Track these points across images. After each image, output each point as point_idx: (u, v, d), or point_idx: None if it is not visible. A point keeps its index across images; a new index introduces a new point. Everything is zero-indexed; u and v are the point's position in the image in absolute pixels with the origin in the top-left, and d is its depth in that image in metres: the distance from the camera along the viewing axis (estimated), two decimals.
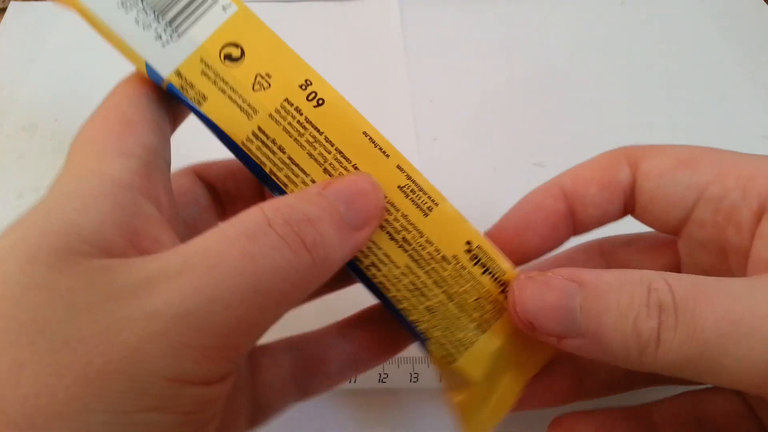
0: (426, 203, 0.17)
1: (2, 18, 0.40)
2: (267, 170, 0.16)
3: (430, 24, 0.41)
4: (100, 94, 0.39)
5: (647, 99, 0.36)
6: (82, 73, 0.37)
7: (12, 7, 0.41)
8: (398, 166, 0.17)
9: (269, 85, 0.16)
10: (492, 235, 0.19)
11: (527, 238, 0.19)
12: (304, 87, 0.17)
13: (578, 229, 0.19)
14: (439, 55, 0.39)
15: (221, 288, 0.13)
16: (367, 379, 0.24)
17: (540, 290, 0.16)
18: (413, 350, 0.25)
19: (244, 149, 0.16)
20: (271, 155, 0.16)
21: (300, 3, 0.42)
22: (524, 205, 0.19)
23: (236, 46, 0.16)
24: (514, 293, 0.16)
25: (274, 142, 0.16)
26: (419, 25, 0.41)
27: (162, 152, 0.17)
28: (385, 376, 0.25)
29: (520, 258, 0.19)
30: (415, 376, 0.25)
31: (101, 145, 0.15)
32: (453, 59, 0.39)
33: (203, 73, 0.16)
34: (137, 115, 0.16)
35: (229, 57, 0.16)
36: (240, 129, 0.16)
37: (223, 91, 0.16)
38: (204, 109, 0.16)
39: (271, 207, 0.14)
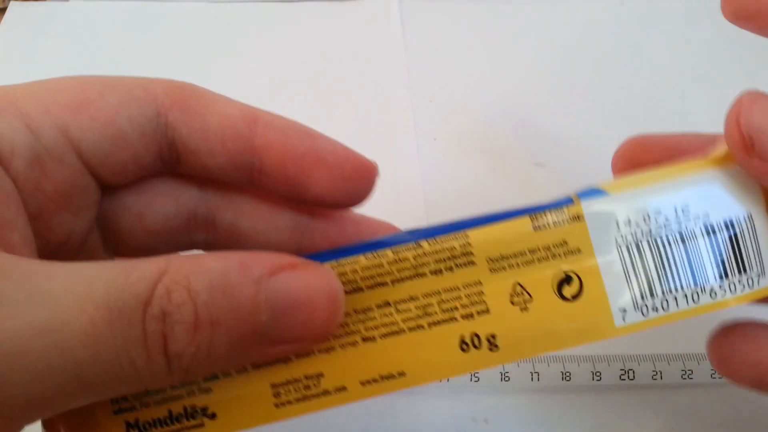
0: None
1: (2, 18, 0.40)
2: None
3: (430, 24, 0.41)
4: None
5: (647, 99, 0.36)
6: (82, 73, 0.37)
7: (12, 7, 0.41)
8: None
9: None
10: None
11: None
12: None
13: None
14: (439, 55, 0.39)
15: (40, 357, 0.10)
16: None
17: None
18: None
19: None
20: None
21: (300, 3, 0.42)
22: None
23: None
24: (741, 104, 0.14)
25: None
26: (419, 25, 0.41)
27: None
28: None
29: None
30: None
31: None
32: (453, 59, 0.39)
33: None
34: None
35: None
36: None
37: None
38: None
39: (177, 276, 0.11)
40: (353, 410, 0.24)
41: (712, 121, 0.38)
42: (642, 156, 0.18)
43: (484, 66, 0.38)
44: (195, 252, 0.17)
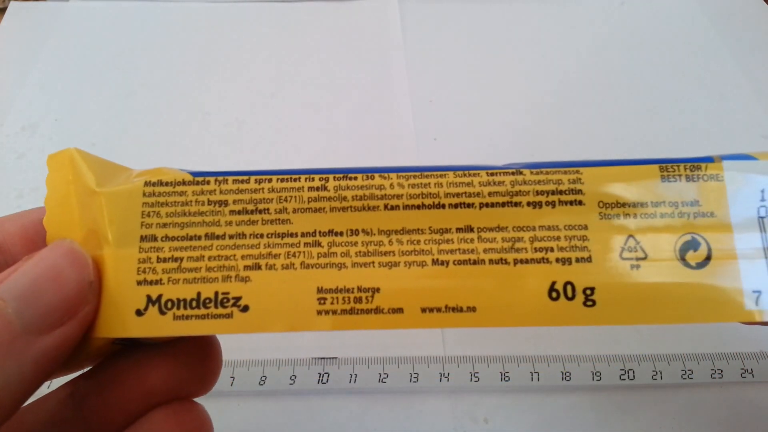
0: None
1: (2, 18, 0.40)
2: None
3: (430, 24, 0.41)
4: (99, 94, 0.39)
5: (647, 99, 0.36)
6: (82, 73, 0.37)
7: (12, 7, 0.41)
8: None
9: None
10: None
11: None
12: None
13: None
14: (439, 55, 0.39)
15: None
16: (367, 379, 0.24)
17: None
18: (413, 350, 0.25)
19: None
20: None
21: (300, 3, 0.42)
22: None
23: None
24: None
25: None
26: (419, 25, 0.41)
27: None
28: (385, 376, 0.25)
29: None
30: (415, 376, 0.25)
31: None
32: (453, 59, 0.39)
33: None
34: None
35: None
36: None
37: None
38: None
39: None
40: (353, 410, 0.24)
41: (712, 121, 0.38)
42: None
43: (484, 66, 0.38)
44: None
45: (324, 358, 0.25)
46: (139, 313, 0.12)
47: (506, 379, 0.24)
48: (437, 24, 0.41)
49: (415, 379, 0.24)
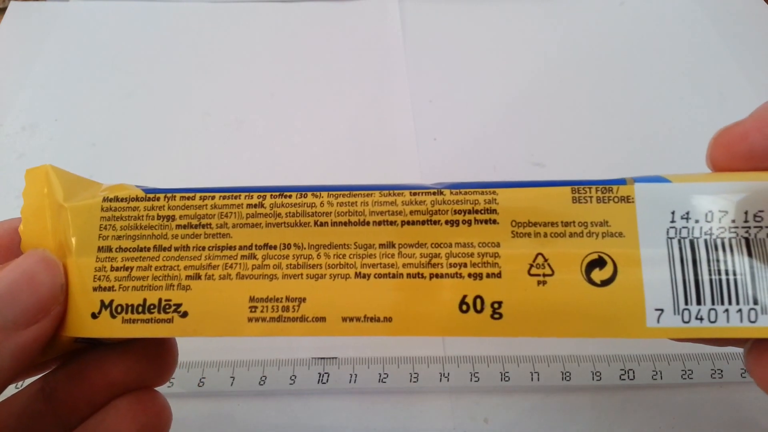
0: None
1: (2, 18, 0.40)
2: None
3: (430, 24, 0.41)
4: (99, 94, 0.39)
5: (646, 99, 0.36)
6: (82, 73, 0.37)
7: (12, 7, 0.41)
8: None
9: None
10: (748, 124, 0.14)
11: None
12: None
13: None
14: (439, 55, 0.39)
15: None
16: (367, 379, 0.24)
17: None
18: (413, 350, 0.25)
19: None
20: None
21: (300, 3, 0.42)
22: None
23: None
24: None
25: None
26: (419, 25, 0.41)
27: None
28: (385, 376, 0.25)
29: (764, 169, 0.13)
30: (415, 376, 0.25)
31: None
32: (453, 59, 0.39)
33: None
34: None
35: None
36: None
37: None
38: None
39: None
40: (353, 410, 0.24)
41: (711, 121, 0.38)
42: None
43: (484, 66, 0.38)
44: None
45: (324, 358, 0.25)
46: (94, 316, 0.14)
47: (506, 379, 0.24)
48: (437, 24, 0.41)
49: (415, 379, 0.24)
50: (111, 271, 0.14)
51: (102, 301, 0.14)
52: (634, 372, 0.25)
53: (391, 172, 0.32)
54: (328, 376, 0.25)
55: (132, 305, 0.14)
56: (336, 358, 0.25)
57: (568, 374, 0.25)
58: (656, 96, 0.37)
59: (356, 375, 0.25)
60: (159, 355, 0.16)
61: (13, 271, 0.13)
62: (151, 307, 0.14)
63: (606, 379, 0.24)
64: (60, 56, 0.38)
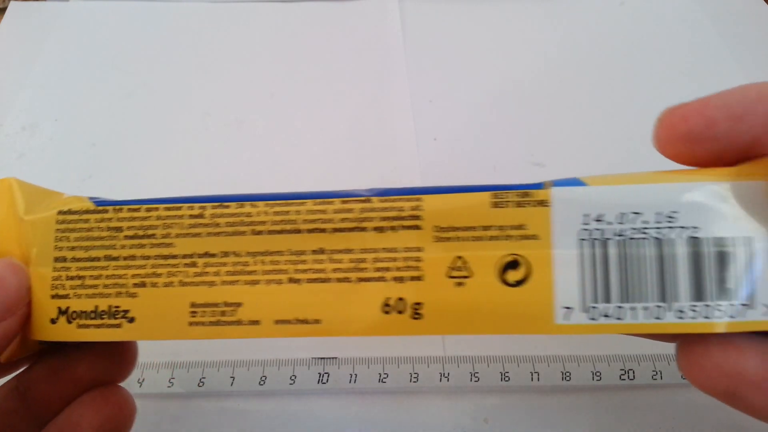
0: None
1: (2, 18, 0.40)
2: None
3: (430, 24, 0.41)
4: (99, 94, 0.39)
5: (646, 99, 0.36)
6: (82, 73, 0.37)
7: (12, 7, 0.41)
8: None
9: None
10: (691, 107, 0.14)
11: (738, 129, 0.14)
12: None
13: None
14: (439, 55, 0.39)
15: None
16: (367, 379, 0.24)
17: None
18: (413, 350, 0.25)
19: None
20: None
21: (300, 3, 0.42)
22: (746, 89, 0.14)
23: None
24: None
25: None
26: (419, 25, 0.41)
27: None
28: (385, 376, 0.25)
29: (710, 151, 0.14)
30: (415, 376, 0.25)
31: None
32: (453, 59, 0.39)
33: None
34: None
35: None
36: None
37: None
38: None
39: None
40: (353, 410, 0.24)
41: None
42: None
43: (484, 66, 0.38)
44: None
45: (324, 358, 0.25)
46: (53, 321, 0.15)
47: (506, 379, 0.24)
48: (437, 24, 0.41)
49: (415, 379, 0.24)
50: (66, 280, 0.15)
51: (59, 308, 0.15)
52: (634, 372, 0.25)
53: (391, 172, 0.32)
54: (328, 376, 0.25)
55: (85, 312, 0.15)
56: (336, 358, 0.25)
57: (568, 374, 0.25)
58: (656, 96, 0.37)
59: (356, 375, 0.25)
60: (118, 354, 0.18)
61: None
62: (102, 313, 0.15)
63: (606, 379, 0.24)
64: (60, 56, 0.38)
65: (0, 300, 0.14)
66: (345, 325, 0.14)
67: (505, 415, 0.24)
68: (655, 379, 0.24)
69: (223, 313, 0.14)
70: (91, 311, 0.15)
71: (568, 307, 0.13)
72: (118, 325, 0.14)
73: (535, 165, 0.33)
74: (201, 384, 0.25)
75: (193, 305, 0.14)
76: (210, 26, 0.40)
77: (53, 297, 0.15)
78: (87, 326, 0.15)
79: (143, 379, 0.25)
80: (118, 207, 0.15)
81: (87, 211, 0.15)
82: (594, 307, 0.13)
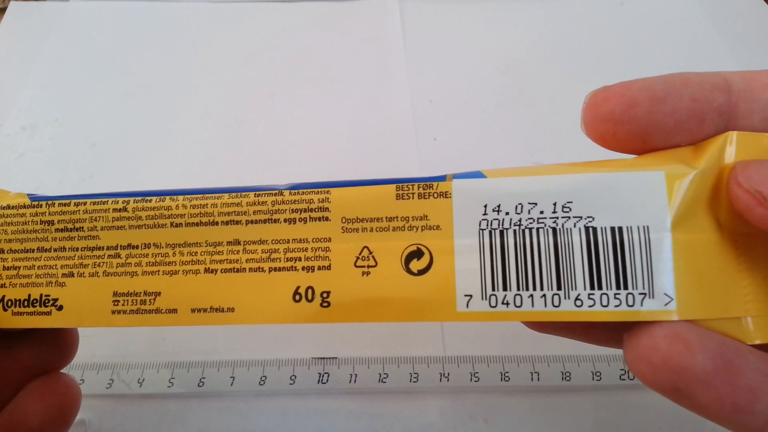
0: None
1: (2, 18, 0.40)
2: None
3: (430, 24, 0.41)
4: (99, 94, 0.39)
5: None
6: (82, 73, 0.37)
7: (12, 7, 0.41)
8: None
9: None
10: (614, 89, 0.14)
11: (659, 110, 0.14)
12: None
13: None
14: (439, 55, 0.39)
15: None
16: (367, 379, 0.24)
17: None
18: (413, 350, 0.25)
19: None
20: None
21: (300, 3, 0.42)
22: (672, 77, 0.14)
23: None
24: (735, 171, 0.13)
25: None
26: (419, 25, 0.41)
27: None
28: (385, 376, 0.25)
29: (633, 133, 0.14)
30: (415, 376, 0.25)
31: None
32: (453, 59, 0.39)
33: None
34: None
35: None
36: None
37: None
38: None
39: None
40: (353, 410, 0.24)
41: None
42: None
43: (484, 66, 0.38)
44: None
45: (324, 358, 0.25)
46: None
47: (506, 379, 0.24)
48: (437, 24, 0.41)
49: (415, 379, 0.24)
50: (3, 270, 0.16)
51: None
52: None
53: (391, 172, 0.32)
54: (328, 376, 0.25)
55: (19, 300, 0.15)
56: (336, 358, 0.25)
57: (568, 374, 0.25)
58: None
59: (356, 375, 0.25)
60: (58, 340, 0.18)
61: None
62: (34, 301, 0.15)
63: (606, 379, 0.24)
64: (60, 56, 0.38)
65: None
66: (257, 313, 0.14)
67: (505, 415, 0.24)
68: None
69: (143, 302, 0.15)
70: (25, 299, 0.15)
71: (468, 295, 0.14)
72: (48, 313, 0.15)
73: (535, 165, 0.33)
74: (201, 384, 0.25)
75: (115, 294, 0.15)
76: (210, 26, 0.40)
77: None
78: (21, 314, 0.15)
79: (143, 379, 0.25)
80: (50, 202, 0.16)
81: (23, 206, 0.16)
82: (493, 295, 0.14)
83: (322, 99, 0.36)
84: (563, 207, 0.14)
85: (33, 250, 0.16)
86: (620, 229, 0.13)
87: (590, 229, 0.13)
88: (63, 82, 0.37)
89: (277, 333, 0.26)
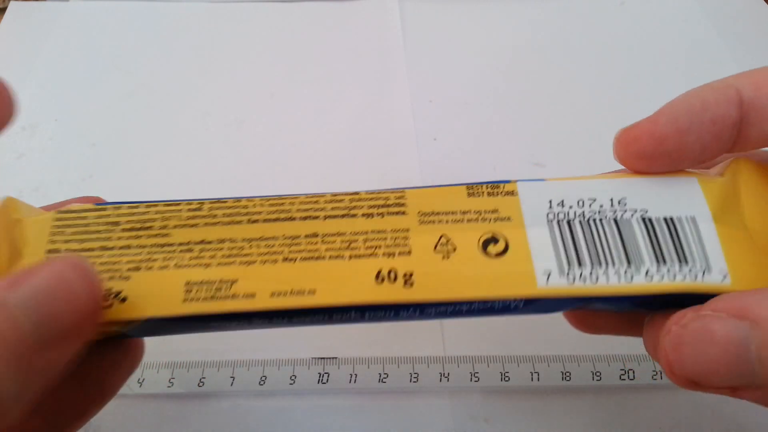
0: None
1: (2, 18, 0.40)
2: None
3: (430, 24, 0.41)
4: (99, 94, 0.39)
5: (647, 99, 0.36)
6: (82, 73, 0.37)
7: (12, 7, 0.41)
8: None
9: None
10: (642, 127, 0.16)
11: (686, 141, 0.15)
12: None
13: (737, 146, 0.16)
14: (439, 55, 0.39)
15: None
16: (367, 379, 0.24)
17: (700, 346, 0.13)
18: (413, 350, 0.25)
19: None
20: None
21: (300, 3, 0.42)
22: (691, 101, 0.16)
23: None
24: (667, 353, 0.13)
25: None
26: (419, 25, 0.41)
27: None
28: (385, 376, 0.25)
29: (665, 163, 0.16)
30: (415, 376, 0.25)
31: None
32: (453, 59, 0.39)
33: None
34: None
35: None
36: None
37: None
38: None
39: None
40: (353, 410, 0.24)
41: None
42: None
43: (484, 66, 0.38)
44: None
45: (324, 358, 0.25)
46: None
47: (506, 379, 0.24)
48: (437, 24, 0.41)
49: (415, 379, 0.24)
50: None
51: None
52: (634, 372, 0.25)
53: (391, 172, 0.32)
54: (328, 376, 0.25)
55: None
56: (336, 358, 0.25)
57: (568, 374, 0.25)
58: (656, 96, 0.36)
59: (356, 375, 0.25)
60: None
61: (49, 278, 0.12)
62: None
63: (606, 379, 0.25)
64: (60, 56, 0.38)
65: (65, 313, 0.12)
66: (339, 292, 0.15)
67: (505, 415, 0.24)
68: (655, 379, 0.24)
69: (218, 289, 0.15)
70: None
71: (547, 272, 0.15)
72: (108, 305, 0.14)
73: (535, 165, 0.33)
74: (201, 384, 0.25)
75: (187, 284, 0.15)
76: (210, 26, 0.40)
77: None
78: None
79: (143, 379, 0.25)
80: (117, 205, 0.16)
81: (86, 210, 0.16)
82: (571, 272, 0.15)
83: (322, 99, 0.36)
84: (619, 201, 0.16)
85: (94, 249, 0.15)
86: (672, 218, 0.15)
87: (646, 219, 0.15)
88: (63, 82, 0.37)
89: (276, 333, 0.26)
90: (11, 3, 0.41)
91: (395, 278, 0.15)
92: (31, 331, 0.11)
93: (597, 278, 0.15)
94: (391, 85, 0.37)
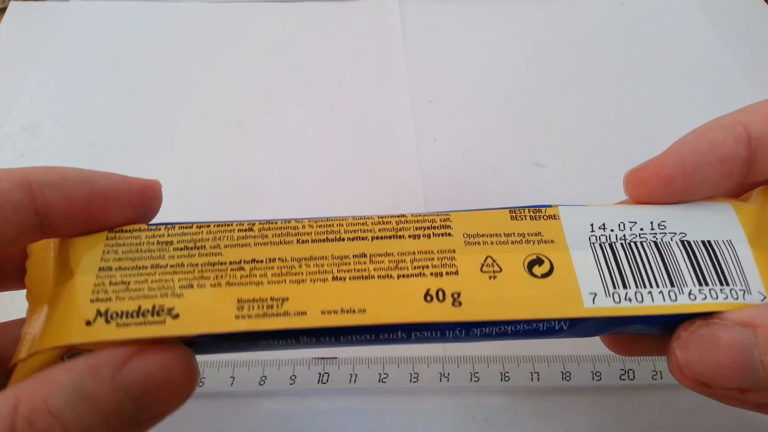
0: None
1: (2, 18, 0.40)
2: None
3: (430, 24, 0.41)
4: (99, 94, 0.39)
5: (646, 99, 0.36)
6: (82, 73, 0.37)
7: (12, 7, 0.41)
8: None
9: None
10: (650, 170, 0.16)
11: (693, 181, 0.16)
12: None
13: (749, 179, 0.16)
14: (439, 55, 0.39)
15: None
16: (367, 379, 0.24)
17: (707, 350, 0.14)
18: (413, 350, 0.25)
19: None
20: None
21: (300, 3, 0.42)
22: (698, 141, 0.16)
23: None
24: (676, 356, 0.14)
25: None
26: (419, 25, 0.41)
27: None
28: (385, 376, 0.25)
29: (676, 200, 0.16)
30: (415, 376, 0.25)
31: None
32: (453, 59, 0.39)
33: None
34: None
35: None
36: None
37: None
38: None
39: (34, 403, 0.12)
40: (353, 410, 0.24)
41: None
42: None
43: (484, 66, 0.38)
44: None
45: (324, 358, 0.25)
46: (88, 323, 0.15)
47: (506, 379, 0.24)
48: (437, 24, 0.41)
49: (415, 379, 0.24)
50: (109, 285, 0.15)
51: (98, 310, 0.15)
52: (634, 372, 0.25)
53: (391, 172, 0.32)
54: (328, 376, 0.25)
55: (126, 311, 0.15)
56: (336, 358, 0.25)
57: (568, 374, 0.25)
58: (656, 96, 0.37)
59: (356, 375, 0.25)
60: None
61: (157, 366, 0.13)
62: (145, 312, 0.15)
63: (606, 379, 0.25)
64: (60, 56, 0.38)
65: (164, 403, 0.13)
66: (390, 312, 0.15)
67: (505, 415, 0.24)
68: (655, 379, 0.24)
69: (269, 307, 0.15)
70: (134, 311, 0.15)
71: (593, 293, 0.15)
72: (161, 322, 0.14)
73: (535, 165, 0.33)
74: (201, 384, 0.25)
75: (239, 301, 0.15)
76: (210, 26, 0.40)
77: (93, 301, 0.15)
78: (127, 324, 0.15)
79: None
80: (170, 225, 0.16)
81: (138, 230, 0.16)
82: (616, 293, 0.15)
83: (322, 99, 0.36)
84: (659, 225, 0.16)
85: (146, 267, 0.15)
86: (710, 242, 0.16)
87: (686, 242, 0.16)
88: (63, 82, 0.37)
89: None
90: (11, 3, 0.41)
91: (443, 298, 0.15)
92: (129, 415, 0.12)
93: (642, 298, 0.15)
94: (391, 85, 0.37)
